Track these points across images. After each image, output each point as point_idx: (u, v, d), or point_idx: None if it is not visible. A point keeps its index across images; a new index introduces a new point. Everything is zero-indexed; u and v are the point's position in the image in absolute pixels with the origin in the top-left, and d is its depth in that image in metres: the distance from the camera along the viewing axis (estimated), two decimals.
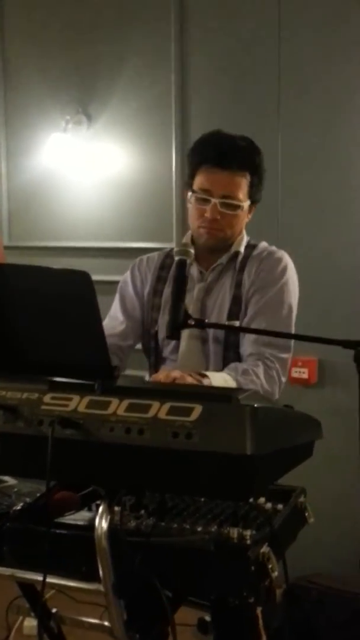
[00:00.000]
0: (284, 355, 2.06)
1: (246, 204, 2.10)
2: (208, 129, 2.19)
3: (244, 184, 2.08)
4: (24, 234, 4.11)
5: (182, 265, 1.87)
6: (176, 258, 1.91)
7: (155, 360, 2.22)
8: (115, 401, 1.28)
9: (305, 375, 3.35)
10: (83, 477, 1.39)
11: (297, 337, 1.72)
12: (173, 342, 2.14)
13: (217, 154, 2.06)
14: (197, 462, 1.21)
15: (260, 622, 2.29)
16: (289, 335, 2.03)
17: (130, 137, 3.73)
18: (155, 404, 1.25)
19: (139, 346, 2.29)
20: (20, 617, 2.28)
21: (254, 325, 2.06)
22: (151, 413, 1.24)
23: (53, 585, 1.39)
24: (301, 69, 3.36)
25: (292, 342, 2.11)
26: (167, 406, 1.24)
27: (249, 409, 1.21)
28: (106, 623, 1.39)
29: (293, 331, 2.11)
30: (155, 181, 3.70)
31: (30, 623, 2.73)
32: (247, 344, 2.06)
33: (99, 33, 3.81)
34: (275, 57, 3.38)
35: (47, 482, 1.26)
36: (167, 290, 2.18)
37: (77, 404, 1.30)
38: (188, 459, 1.21)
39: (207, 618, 2.95)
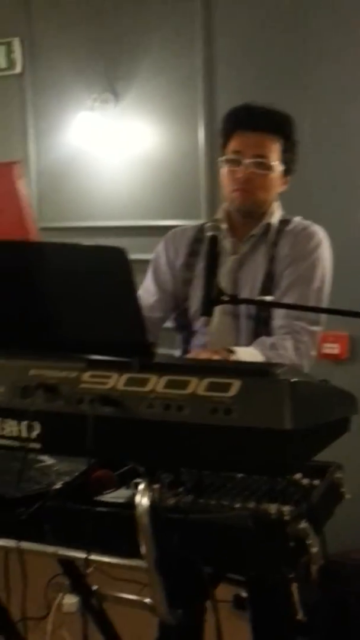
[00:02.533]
0: (315, 328, 2.05)
1: (279, 167, 2.10)
2: (234, 105, 2.19)
3: (275, 146, 2.09)
4: (53, 214, 4.11)
5: (214, 241, 1.86)
6: (208, 234, 1.91)
7: (187, 335, 2.21)
8: (153, 378, 1.27)
9: (336, 351, 3.33)
10: (123, 454, 1.39)
11: (332, 311, 1.71)
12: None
13: (248, 117, 2.09)
14: (237, 437, 1.21)
15: (296, 598, 2.30)
16: (322, 310, 2.02)
17: (158, 114, 3.71)
18: (194, 380, 1.24)
19: (168, 324, 2.29)
20: (60, 595, 2.30)
21: (285, 299, 2.06)
22: (190, 389, 1.24)
23: (96, 563, 1.39)
24: (330, 41, 3.30)
25: (324, 315, 2.09)
26: (205, 382, 1.23)
27: (287, 383, 1.20)
28: (147, 600, 1.40)
29: (325, 305, 2.11)
30: (183, 158, 3.67)
31: (70, 600, 2.76)
32: (278, 317, 2.06)
33: (124, 9, 3.78)
34: (303, 31, 3.32)
35: (87, 460, 1.27)
36: (200, 265, 2.17)
37: (116, 381, 1.29)
38: (227, 435, 1.21)
39: (243, 594, 2.96)
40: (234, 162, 2.09)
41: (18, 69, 4.13)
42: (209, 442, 1.23)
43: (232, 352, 1.85)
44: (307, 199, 3.34)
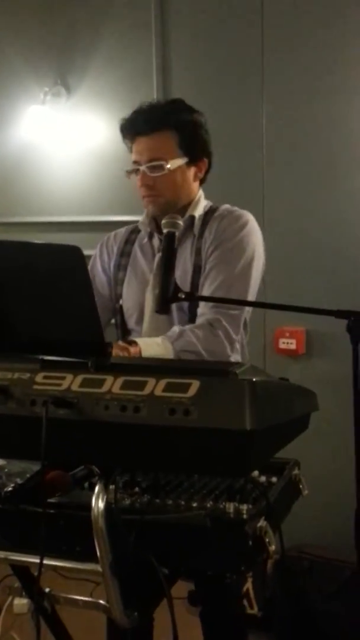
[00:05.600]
0: (234, 312, 2.02)
1: (178, 161, 2.06)
2: (190, 99, 2.16)
3: (168, 141, 2.05)
4: (2, 209, 4.04)
5: (170, 237, 1.83)
6: (164, 230, 1.87)
7: (122, 334, 2.20)
8: (109, 379, 1.24)
9: (293, 346, 3.34)
10: (78, 456, 1.36)
11: (290, 308, 1.68)
12: (137, 313, 2.13)
13: (132, 123, 2.07)
14: (196, 438, 1.19)
15: (251, 592, 2.30)
16: (281, 307, 1.99)
17: (111, 108, 3.66)
18: (151, 381, 1.21)
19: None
20: (10, 597, 2.24)
21: (208, 282, 2.02)
22: (147, 390, 1.21)
23: (49, 567, 1.36)
24: (285, 43, 3.31)
25: (249, 296, 2.05)
26: (163, 382, 1.21)
27: (247, 383, 1.18)
28: (102, 601, 1.37)
29: (251, 283, 2.06)
30: None
31: (21, 602, 2.70)
32: (201, 305, 2.04)
33: (77, 1, 3.72)
34: (259, 27, 3.32)
35: (42, 464, 1.23)
36: (133, 264, 2.18)
37: (71, 382, 1.26)
38: (186, 436, 1.19)
39: None
40: (135, 172, 2.08)
41: None
42: (168, 443, 1.21)
43: (133, 343, 1.83)
44: (259, 195, 3.35)
